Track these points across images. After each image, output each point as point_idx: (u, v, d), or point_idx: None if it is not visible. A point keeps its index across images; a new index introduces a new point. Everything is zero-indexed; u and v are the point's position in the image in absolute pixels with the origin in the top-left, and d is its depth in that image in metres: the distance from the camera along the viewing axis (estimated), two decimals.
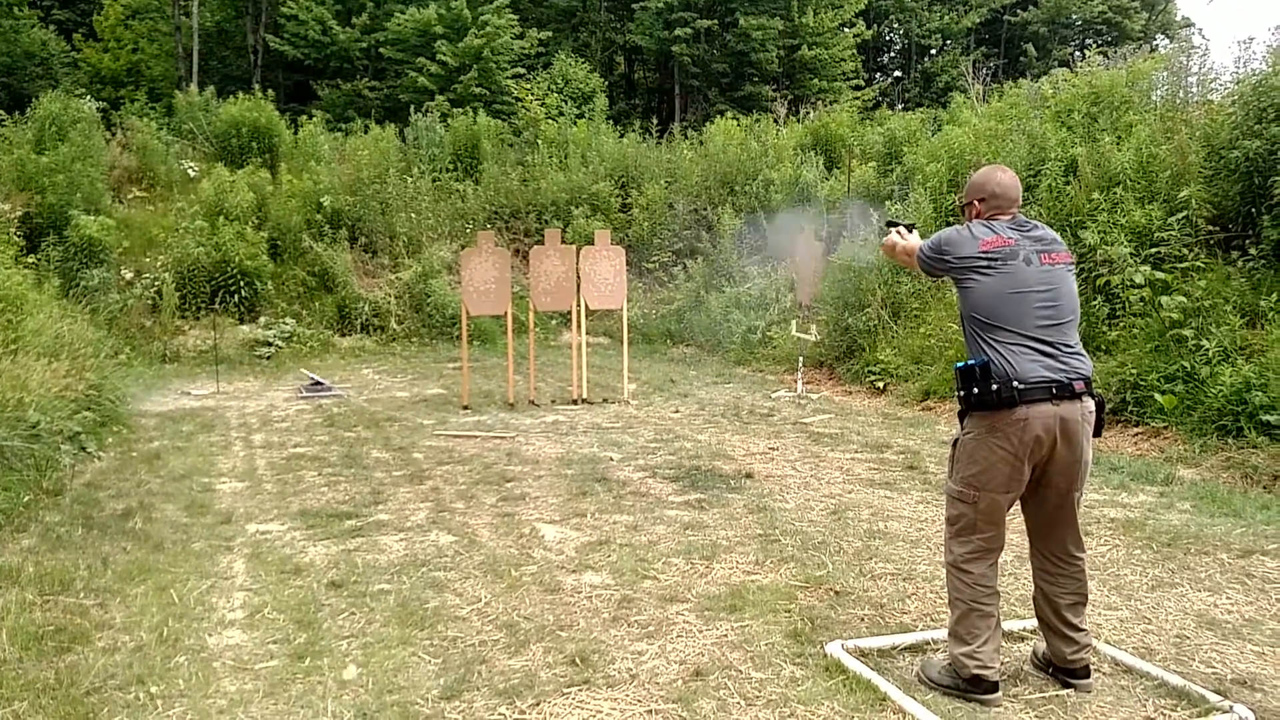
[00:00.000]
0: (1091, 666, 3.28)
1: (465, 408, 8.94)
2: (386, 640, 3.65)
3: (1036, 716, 3.08)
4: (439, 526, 5.18)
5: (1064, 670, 3.26)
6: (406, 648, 3.58)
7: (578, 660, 3.47)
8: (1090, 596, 3.35)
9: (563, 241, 9.72)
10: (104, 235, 12.41)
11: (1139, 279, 7.66)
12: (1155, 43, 29.88)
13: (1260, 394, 6.36)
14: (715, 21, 26.55)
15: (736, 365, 11.87)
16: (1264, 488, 5.84)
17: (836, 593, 4.13)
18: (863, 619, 3.86)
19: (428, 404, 9.25)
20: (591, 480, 6.17)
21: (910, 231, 3.61)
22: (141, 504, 5.57)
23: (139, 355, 11.34)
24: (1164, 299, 7.34)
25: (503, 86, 22.23)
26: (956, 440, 3.27)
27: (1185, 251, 7.75)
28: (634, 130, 19.92)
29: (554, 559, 4.61)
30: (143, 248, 13.29)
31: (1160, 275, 7.64)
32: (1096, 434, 3.19)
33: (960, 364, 3.18)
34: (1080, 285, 4.66)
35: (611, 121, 20.53)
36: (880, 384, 9.63)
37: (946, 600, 3.31)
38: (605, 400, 9.38)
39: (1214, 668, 3.44)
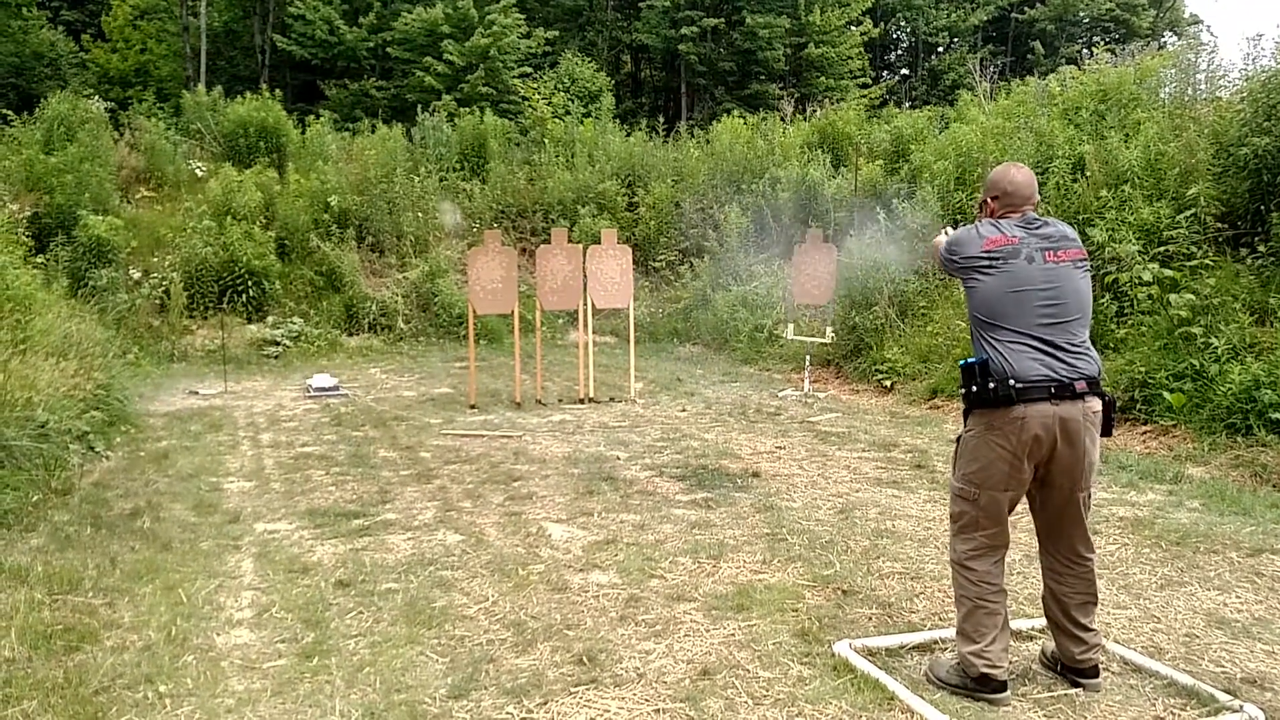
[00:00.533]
0: (1100, 665, 3.27)
1: (472, 407, 8.94)
2: (394, 639, 3.65)
3: (1045, 716, 3.08)
4: (446, 525, 5.19)
5: (1073, 669, 3.25)
6: (414, 647, 3.59)
7: (585, 659, 3.47)
8: (1099, 596, 3.33)
9: (569, 240, 9.71)
10: (112, 235, 12.45)
11: (1147, 276, 7.65)
12: (1163, 40, 29.74)
13: (1269, 392, 6.34)
14: (722, 20, 26.55)
15: (743, 364, 11.86)
16: (1274, 486, 5.82)
17: (844, 592, 4.13)
18: (870, 618, 3.85)
19: (435, 403, 9.25)
20: (598, 479, 6.17)
21: (954, 230, 3.49)
22: (150, 503, 5.59)
23: (147, 355, 11.36)
24: (1172, 297, 7.32)
25: (509, 86, 22.24)
26: (960, 437, 3.27)
27: (1194, 249, 7.73)
28: (640, 129, 19.91)
29: (561, 558, 4.61)
30: (151, 247, 13.33)
31: (1169, 273, 7.62)
32: (1106, 433, 3.16)
33: (963, 361, 3.19)
34: None
35: (618, 120, 20.51)
36: (888, 382, 9.61)
37: (953, 598, 3.31)
38: (612, 399, 9.38)
39: (1223, 667, 3.42)
